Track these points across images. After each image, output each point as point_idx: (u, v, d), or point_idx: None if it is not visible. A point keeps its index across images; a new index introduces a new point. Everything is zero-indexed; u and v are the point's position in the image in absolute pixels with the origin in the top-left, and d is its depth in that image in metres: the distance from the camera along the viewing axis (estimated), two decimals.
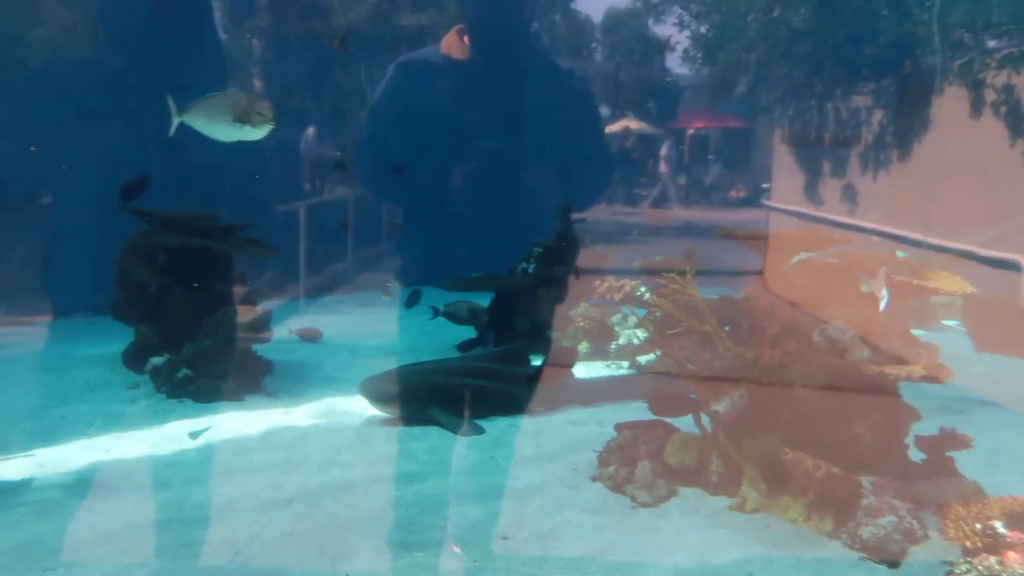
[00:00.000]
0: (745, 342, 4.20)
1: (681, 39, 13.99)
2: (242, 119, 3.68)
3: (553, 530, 3.89)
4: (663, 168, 18.64)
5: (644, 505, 4.30)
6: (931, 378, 3.59)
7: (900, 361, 3.64)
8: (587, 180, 12.23)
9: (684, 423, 4.73)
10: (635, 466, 4.58)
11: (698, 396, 4.34)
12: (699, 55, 11.22)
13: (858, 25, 8.75)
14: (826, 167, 10.11)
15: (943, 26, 7.17)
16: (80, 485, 4.26)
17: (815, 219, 9.93)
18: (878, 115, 8.95)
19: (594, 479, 4.64)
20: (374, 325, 9.78)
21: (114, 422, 5.49)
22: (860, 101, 9.39)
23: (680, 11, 11.70)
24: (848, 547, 3.56)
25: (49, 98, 9.10)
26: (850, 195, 9.68)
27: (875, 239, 8.23)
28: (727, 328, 4.40)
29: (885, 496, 3.49)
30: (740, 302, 4.36)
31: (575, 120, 12.43)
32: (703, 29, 10.53)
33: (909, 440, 3.89)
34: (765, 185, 14.21)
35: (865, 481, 3.68)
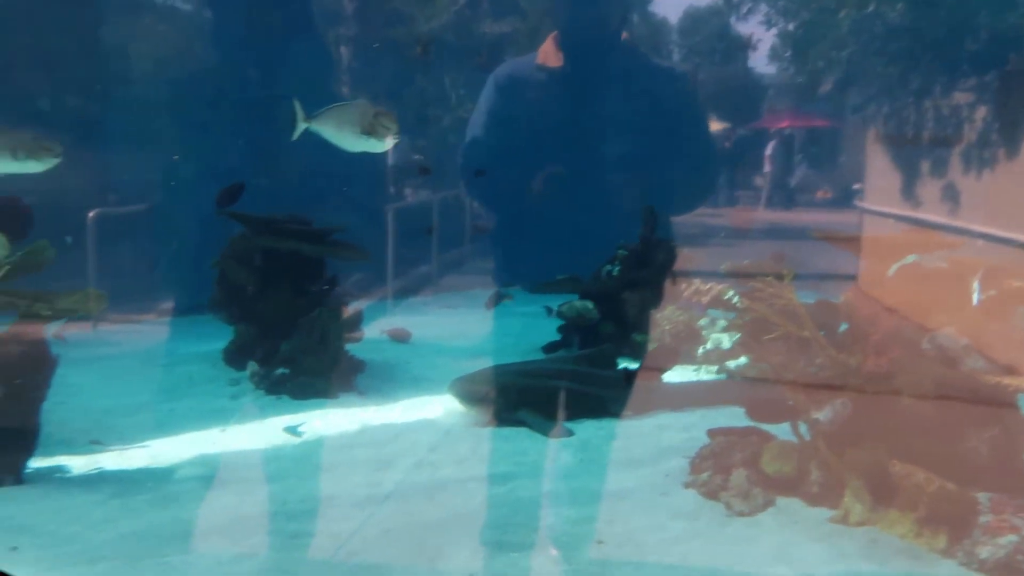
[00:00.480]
0: (846, 349, 4.08)
1: (766, 37, 13.66)
2: (368, 131, 3.78)
3: (648, 536, 3.86)
4: (767, 167, 18.19)
5: (740, 514, 4.22)
6: None
7: (1018, 372, 3.47)
8: (693, 181, 12.09)
9: (779, 431, 4.62)
10: (729, 473, 4.50)
11: (796, 403, 4.24)
12: (787, 53, 10.94)
13: (959, 18, 8.38)
14: (925, 167, 9.70)
15: None
16: (192, 477, 4.48)
17: (913, 221, 9.53)
18: (981, 112, 8.54)
19: (687, 485, 4.58)
20: (458, 326, 9.90)
21: (219, 417, 5.74)
22: (961, 98, 8.97)
23: (767, 8, 11.41)
24: (964, 567, 3.41)
25: (153, 108, 9.60)
26: (951, 195, 9.25)
27: (980, 242, 7.85)
28: (824, 334, 4.28)
29: (1004, 514, 3.33)
30: (840, 307, 4.24)
31: (679, 120, 12.27)
32: (791, 27, 10.25)
33: None
34: (857, 186, 13.72)
35: (981, 497, 3.52)
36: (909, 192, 9.99)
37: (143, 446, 4.96)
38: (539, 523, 3.97)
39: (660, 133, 11.78)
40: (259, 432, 5.44)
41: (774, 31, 11.43)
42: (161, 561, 3.41)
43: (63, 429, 4.94)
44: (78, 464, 4.59)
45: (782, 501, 4.29)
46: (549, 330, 9.23)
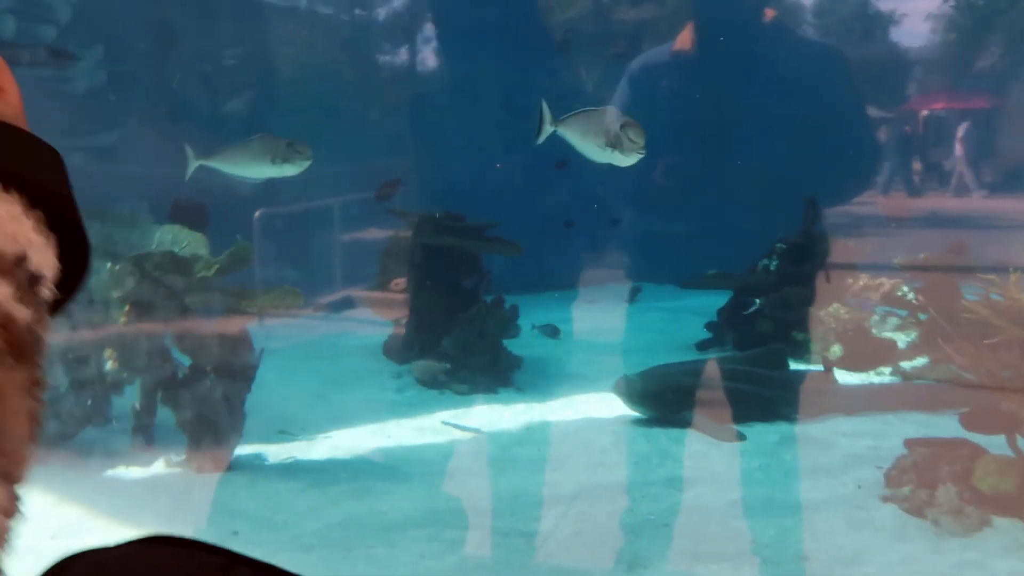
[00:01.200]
0: None
1: (934, 9, 12.65)
2: (613, 144, 3.45)
3: (857, 555, 3.61)
4: (959, 151, 17.04)
5: (952, 534, 3.88)
6: None
7: None
8: (851, 169, 11.44)
9: (990, 444, 4.22)
10: (935, 488, 4.15)
11: (1019, 414, 3.84)
12: (963, 23, 10.07)
13: None
14: None
15: None
16: (378, 468, 4.59)
17: None
18: None
19: (885, 499, 4.26)
20: (603, 322, 9.77)
21: (388, 409, 5.87)
22: None
23: None
24: None
25: (304, 108, 10.00)
26: None
27: None
28: None
29: None
30: None
31: (834, 103, 11.63)
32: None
33: None
34: None
35: None
36: None
37: (326, 436, 5.12)
38: (735, 533, 3.79)
39: (814, 118, 11.16)
40: (429, 426, 5.51)
41: (950, 3, 10.56)
42: (368, 552, 3.48)
43: (253, 419, 5.18)
44: (273, 452, 4.80)
45: (1000, 522, 3.90)
46: (695, 326, 8.96)
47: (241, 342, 4.30)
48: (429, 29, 12.90)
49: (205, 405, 4.24)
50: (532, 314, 9.38)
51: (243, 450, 4.65)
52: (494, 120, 11.88)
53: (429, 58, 13.66)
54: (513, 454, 4.95)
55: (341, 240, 9.69)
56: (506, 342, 7.16)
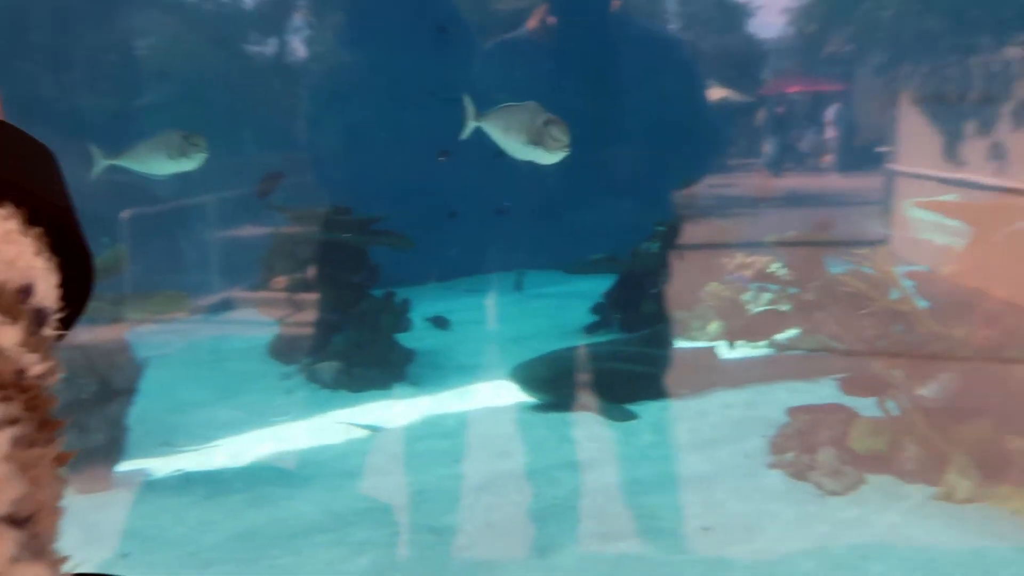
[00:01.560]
0: (951, 321, 3.96)
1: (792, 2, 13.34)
2: (536, 140, 3.21)
3: (753, 521, 3.78)
4: (830, 133, 18.00)
5: (833, 493, 4.14)
6: None
7: None
8: (695, 152, 11.93)
9: (864, 407, 4.52)
10: (816, 452, 4.41)
11: (893, 378, 4.13)
12: (821, 13, 10.69)
13: None
14: (968, 127, 9.51)
15: None
16: (275, 474, 4.40)
17: (954, 182, 9.38)
18: None
19: (772, 466, 4.49)
20: (491, 310, 9.80)
21: (279, 412, 5.65)
22: (1013, 53, 8.76)
23: None
24: None
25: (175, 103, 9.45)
26: (999, 154, 9.07)
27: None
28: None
29: None
30: (942, 278, 4.11)
31: (680, 90, 12.11)
32: None
33: None
34: (882, 149, 13.52)
35: None
36: (951, 152, 9.80)
37: (215, 445, 4.87)
38: (639, 511, 3.88)
39: (659, 103, 11.59)
40: (325, 426, 5.35)
41: None
42: (272, 563, 3.33)
43: (135, 432, 4.84)
44: (158, 466, 4.51)
45: (874, 479, 4.19)
46: (583, 310, 9.13)
47: (119, 352, 4.00)
48: (306, 17, 12.46)
49: (83, 421, 3.93)
50: (420, 306, 9.26)
51: (127, 466, 4.34)
52: (377, 110, 11.64)
53: (306, 48, 13.21)
54: (414, 449, 4.88)
55: (220, 239, 9.23)
56: (398, 336, 7.05)
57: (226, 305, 8.56)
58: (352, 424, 5.43)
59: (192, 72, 10.12)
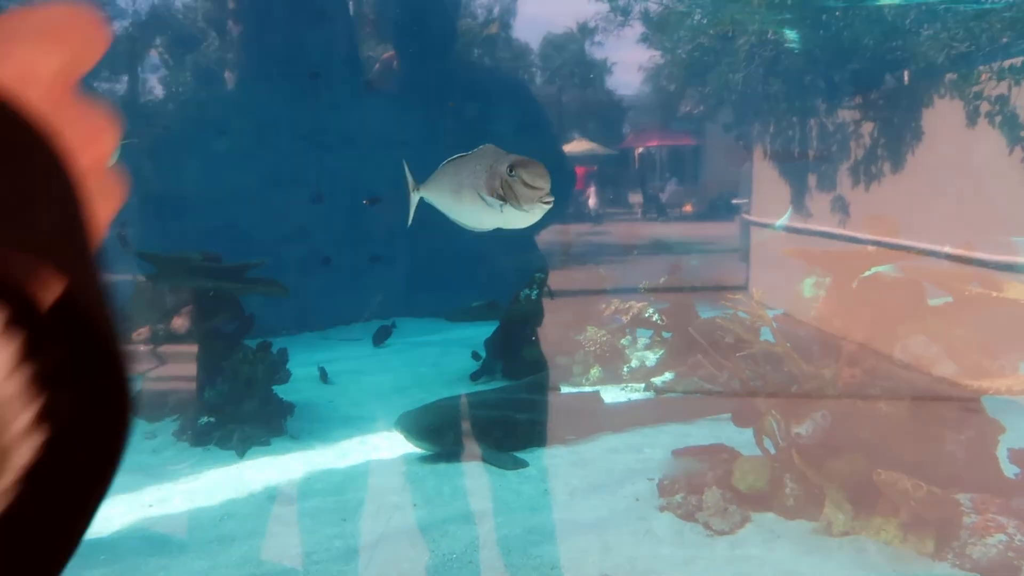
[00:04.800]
0: (818, 361, 4.21)
1: (653, 59, 14.16)
2: (501, 196, 2.25)
3: (649, 566, 3.81)
4: (690, 186, 18.98)
5: (720, 533, 4.25)
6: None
7: (985, 375, 3.69)
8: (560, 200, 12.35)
9: (747, 445, 4.70)
10: (702, 493, 4.54)
11: (773, 420, 4.33)
12: (679, 74, 11.38)
13: (845, 41, 9.01)
14: (812, 180, 10.32)
15: (935, 42, 7.43)
16: (145, 542, 4.01)
17: (804, 232, 10.12)
18: (868, 128, 9.19)
19: (661, 508, 4.57)
20: (368, 360, 9.59)
21: (145, 474, 5.22)
22: (848, 115, 9.63)
23: (654, 34, 11.87)
24: (957, 568, 3.56)
25: None
26: (840, 207, 9.88)
27: (870, 248, 8.40)
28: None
29: (988, 513, 3.51)
30: (804, 322, 4.38)
31: (541, 140, 12.58)
32: (683, 53, 10.69)
33: (999, 454, 3.93)
34: (738, 200, 14.43)
35: (963, 498, 3.70)
36: (799, 204, 10.57)
37: None
38: (537, 560, 3.83)
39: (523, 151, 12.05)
40: (197, 487, 4.98)
41: (661, 55, 11.87)
42: None
43: None
44: None
45: (759, 517, 4.35)
46: (465, 357, 9.11)
47: None
48: (167, 58, 11.98)
49: None
50: (295, 356, 8.93)
51: None
52: (245, 154, 11.26)
53: (170, 90, 12.66)
54: (300, 508, 4.62)
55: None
56: (275, 388, 6.73)
57: None
58: (235, 481, 5.09)
59: None
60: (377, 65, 13.28)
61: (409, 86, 12.82)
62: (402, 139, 11.91)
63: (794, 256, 4.69)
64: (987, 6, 7.10)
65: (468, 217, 2.41)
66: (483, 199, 2.26)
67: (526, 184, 2.19)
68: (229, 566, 3.70)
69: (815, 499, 4.16)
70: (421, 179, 2.67)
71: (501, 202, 2.23)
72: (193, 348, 6.59)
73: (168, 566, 3.69)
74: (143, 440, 6.03)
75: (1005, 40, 6.88)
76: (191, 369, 6.54)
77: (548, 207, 2.22)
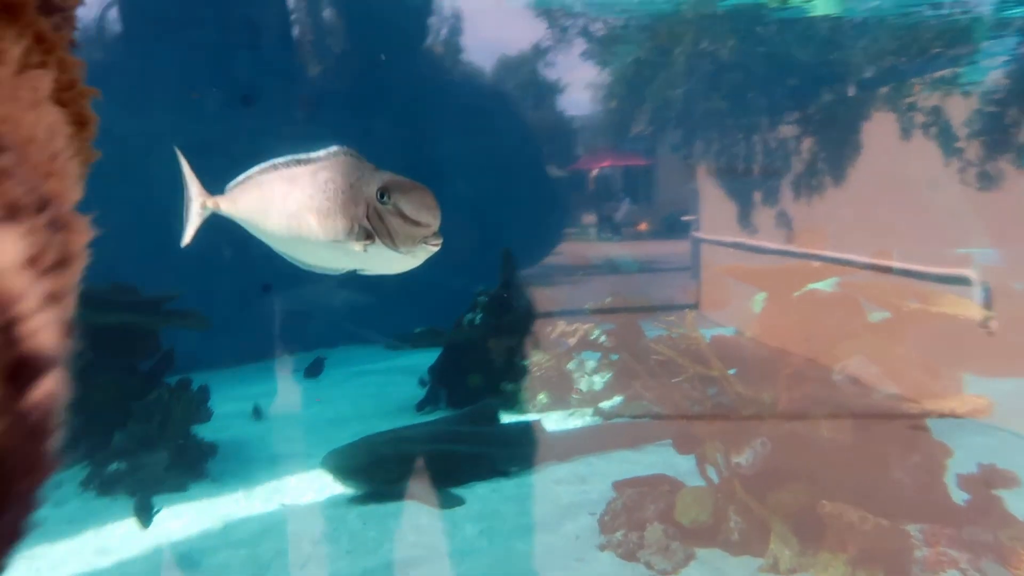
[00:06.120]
0: (756, 385, 3.98)
1: (597, 77, 14.07)
2: (368, 232, 1.72)
3: None
4: (639, 205, 19.00)
5: (663, 573, 3.98)
6: (972, 412, 3.45)
7: (928, 395, 3.49)
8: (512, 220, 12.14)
9: (690, 476, 4.45)
10: (644, 529, 4.27)
11: (710, 448, 4.08)
12: (620, 92, 11.28)
13: (783, 56, 8.98)
14: (757, 196, 10.25)
15: (868, 54, 7.40)
16: None
17: (750, 248, 10.01)
18: (807, 143, 9.15)
19: (602, 547, 4.29)
20: (309, 392, 9.18)
21: (40, 532, 4.75)
22: (788, 131, 9.58)
23: (597, 49, 11.77)
24: None
25: None
26: (784, 222, 9.80)
27: (816, 264, 8.29)
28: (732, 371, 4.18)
29: (939, 547, 3.29)
30: (745, 342, 4.15)
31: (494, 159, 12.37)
32: (622, 69, 10.59)
33: (947, 480, 3.73)
34: (686, 218, 14.36)
35: (912, 530, 3.48)
36: (745, 220, 10.48)
37: None
38: None
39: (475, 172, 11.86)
40: (97, 546, 4.54)
41: (604, 71, 11.77)
42: None
43: None
44: None
45: (703, 553, 4.09)
46: (411, 384, 8.78)
47: None
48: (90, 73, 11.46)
49: None
50: (230, 391, 8.47)
51: None
52: (168, 180, 10.78)
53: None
54: (207, 563, 4.22)
55: None
56: (196, 428, 6.30)
57: None
58: (147, 529, 4.66)
59: None
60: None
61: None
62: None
63: (727, 274, 4.48)
64: (915, 19, 7.11)
65: (306, 252, 1.80)
66: (339, 234, 1.66)
67: (405, 218, 1.63)
68: None
69: (760, 532, 3.91)
70: (217, 185, 2.01)
71: (367, 241, 1.64)
72: (102, 387, 6.13)
73: None
74: (47, 491, 5.55)
75: (935, 51, 6.87)
76: (100, 411, 6.07)
77: (434, 250, 1.68)
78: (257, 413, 7.95)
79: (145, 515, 4.07)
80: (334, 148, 1.75)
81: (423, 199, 1.66)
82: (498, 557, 4.22)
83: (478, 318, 8.69)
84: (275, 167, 1.81)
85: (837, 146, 8.29)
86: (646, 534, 4.22)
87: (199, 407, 6.32)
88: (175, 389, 6.05)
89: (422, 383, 8.58)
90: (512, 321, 8.53)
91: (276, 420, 7.81)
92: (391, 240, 1.65)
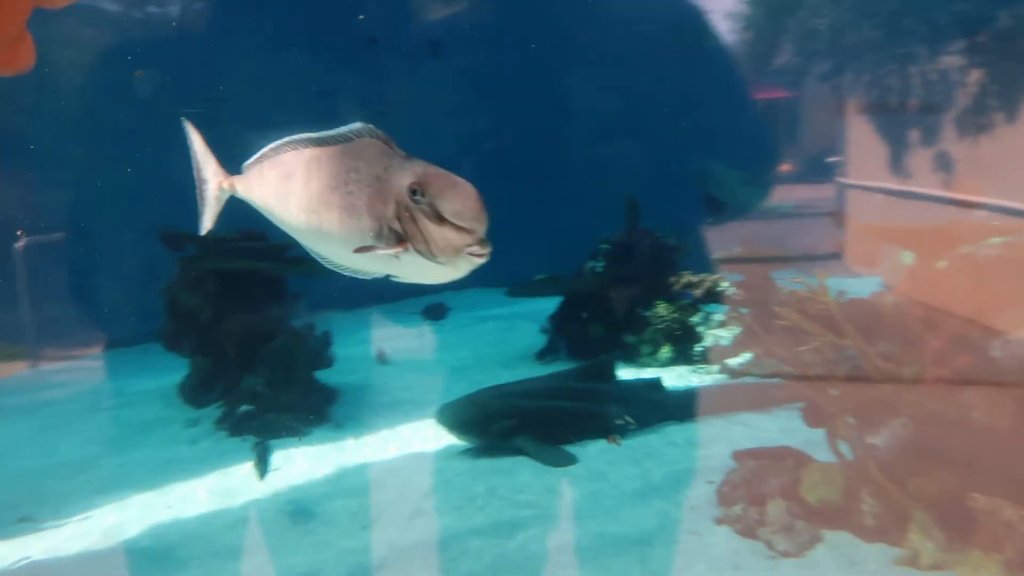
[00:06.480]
0: (897, 358, 3.54)
1: (733, 5, 13.10)
2: (386, 231, 1.38)
3: None
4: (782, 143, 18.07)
5: (785, 554, 3.68)
6: None
7: None
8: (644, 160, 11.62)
9: (818, 449, 4.08)
10: (765, 504, 3.97)
11: (840, 428, 3.69)
12: (761, 21, 10.43)
13: None
14: (913, 135, 9.27)
15: None
16: (144, 557, 3.78)
17: (903, 194, 9.11)
18: (975, 75, 8.10)
19: (718, 521, 4.02)
20: (429, 337, 9.29)
21: (176, 469, 5.04)
22: (951, 61, 8.53)
23: None
24: None
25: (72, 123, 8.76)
26: (944, 165, 8.83)
27: (981, 213, 7.41)
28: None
29: None
30: (887, 306, 3.69)
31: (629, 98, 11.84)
32: None
33: None
34: (832, 159, 13.29)
35: None
36: (897, 164, 9.55)
37: (84, 518, 4.24)
38: None
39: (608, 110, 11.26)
40: (223, 486, 4.74)
41: (744, 2, 10.91)
42: None
43: None
44: (1, 554, 3.86)
45: (831, 536, 3.75)
46: (533, 332, 8.68)
47: None
48: (225, 28, 11.81)
49: None
50: (351, 335, 8.70)
51: None
52: (306, 124, 11.03)
53: (231, 58, 12.56)
54: (321, 511, 4.31)
55: (119, 269, 8.52)
56: (319, 374, 6.48)
57: (128, 341, 7.89)
58: (262, 472, 4.85)
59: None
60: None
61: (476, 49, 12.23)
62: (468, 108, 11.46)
63: (868, 232, 3.99)
64: None
65: (331, 251, 1.49)
66: (364, 235, 1.37)
67: (444, 220, 1.34)
68: None
69: (898, 519, 3.53)
70: (235, 165, 1.72)
71: (398, 247, 1.36)
72: (234, 331, 6.39)
73: None
74: (184, 429, 5.90)
75: None
76: (233, 353, 6.35)
77: (480, 262, 1.39)
78: (381, 357, 8.12)
79: (262, 467, 4.18)
80: (357, 126, 1.44)
81: (466, 198, 1.36)
82: (607, 522, 4.06)
83: (600, 266, 8.43)
84: (296, 145, 1.53)
85: (1011, 79, 7.27)
86: (768, 510, 3.92)
87: (322, 352, 6.49)
88: (298, 335, 6.22)
89: (544, 330, 8.47)
90: (635, 270, 8.21)
91: (398, 365, 7.95)
92: (426, 247, 1.38)
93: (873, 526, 3.64)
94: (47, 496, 4.55)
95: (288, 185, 1.52)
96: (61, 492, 4.62)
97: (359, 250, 1.40)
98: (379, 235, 1.39)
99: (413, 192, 1.36)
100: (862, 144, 10.71)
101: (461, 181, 1.37)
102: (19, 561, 3.75)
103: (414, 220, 1.36)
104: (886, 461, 3.50)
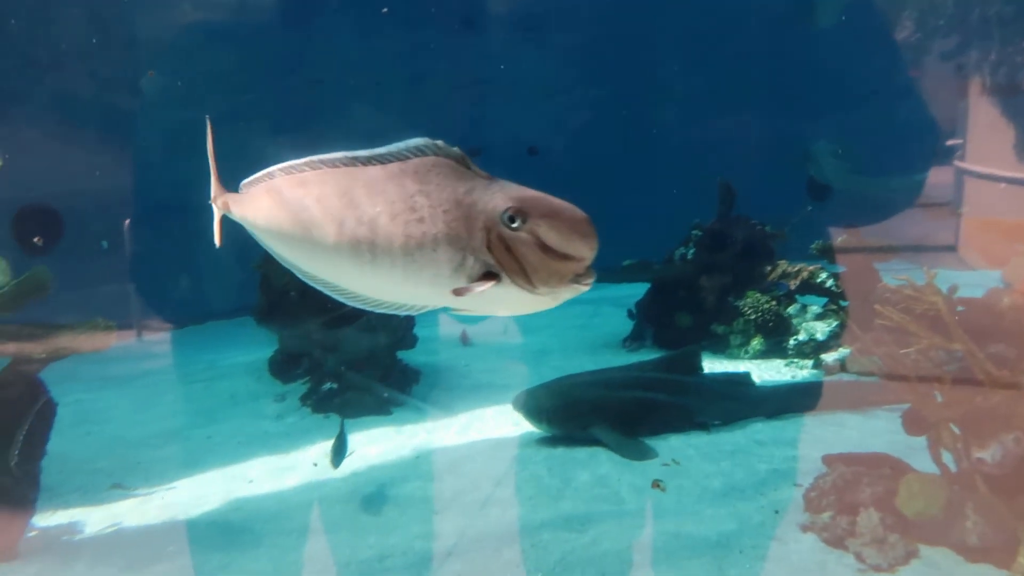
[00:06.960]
0: (1013, 364, 3.22)
1: None
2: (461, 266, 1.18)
3: None
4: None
5: (876, 568, 3.43)
6: None
7: None
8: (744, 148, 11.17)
9: (919, 458, 3.79)
10: (856, 514, 3.71)
11: (946, 438, 3.40)
12: None
13: None
14: None
15: None
16: (222, 530, 3.88)
17: None
18: None
19: (804, 528, 3.79)
20: (517, 319, 9.23)
21: (260, 443, 5.17)
22: None
23: None
24: None
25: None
26: None
27: None
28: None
29: None
30: (1002, 309, 3.36)
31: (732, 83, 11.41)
32: None
33: None
34: (951, 142, 12.39)
35: None
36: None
37: (170, 487, 4.40)
38: None
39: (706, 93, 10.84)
40: (304, 461, 4.84)
41: None
42: None
43: (82, 471, 4.42)
44: (94, 519, 4.05)
45: (927, 552, 3.47)
46: (619, 317, 8.51)
47: (28, 393, 3.53)
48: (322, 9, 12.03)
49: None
50: (435, 315, 8.74)
51: (49, 519, 3.90)
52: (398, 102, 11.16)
53: (326, 40, 12.82)
54: (393, 494, 4.33)
55: (209, 245, 8.83)
56: (404, 353, 6.53)
57: (222, 315, 8.18)
58: (341, 454, 4.91)
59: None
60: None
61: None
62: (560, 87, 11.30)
63: (983, 229, 3.64)
64: None
65: (378, 285, 1.29)
66: (441, 270, 1.19)
67: (548, 250, 1.19)
68: (290, 567, 3.45)
69: (1007, 541, 3.23)
70: (232, 181, 1.53)
71: (488, 282, 1.19)
72: (323, 310, 6.51)
73: (230, 565, 3.50)
74: (271, 403, 6.06)
75: None
76: (319, 331, 6.47)
77: (584, 291, 1.26)
78: (464, 339, 8.14)
79: (338, 457, 4.22)
80: (420, 142, 1.23)
81: (575, 224, 1.20)
82: (684, 522, 3.90)
83: (690, 253, 8.16)
84: (328, 165, 1.29)
85: None
86: (859, 520, 3.67)
87: (405, 334, 6.53)
88: (382, 315, 6.27)
89: (630, 315, 8.29)
90: (727, 258, 7.91)
91: (481, 347, 7.94)
92: (525, 279, 1.21)
93: (977, 545, 3.35)
94: (139, 464, 4.74)
95: (314, 212, 1.31)
96: (152, 461, 4.81)
97: (458, 291, 1.19)
98: (459, 267, 1.21)
99: (512, 219, 1.20)
100: (985, 127, 9.93)
101: (566, 205, 1.22)
102: (109, 527, 3.92)
103: (509, 249, 1.20)
104: (994, 477, 3.20)
